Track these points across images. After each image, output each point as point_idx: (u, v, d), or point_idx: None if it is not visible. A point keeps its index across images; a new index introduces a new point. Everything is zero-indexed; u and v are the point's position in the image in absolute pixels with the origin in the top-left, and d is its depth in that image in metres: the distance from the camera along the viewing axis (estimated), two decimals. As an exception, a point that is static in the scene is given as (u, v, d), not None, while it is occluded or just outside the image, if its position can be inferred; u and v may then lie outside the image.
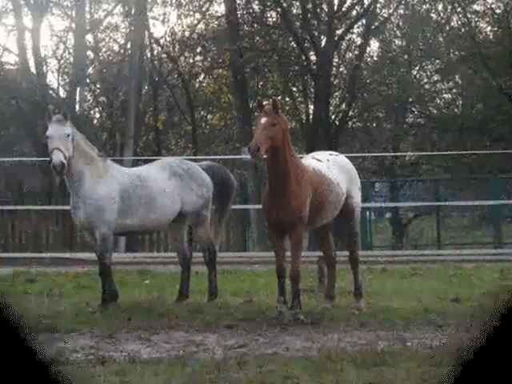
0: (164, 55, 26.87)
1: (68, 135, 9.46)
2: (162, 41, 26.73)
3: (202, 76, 27.86)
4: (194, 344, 7.63)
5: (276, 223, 8.95)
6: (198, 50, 26.58)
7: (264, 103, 9.08)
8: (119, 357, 6.99)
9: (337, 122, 24.04)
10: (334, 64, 24.32)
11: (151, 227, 10.22)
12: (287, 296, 9.01)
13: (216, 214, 10.42)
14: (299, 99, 25.51)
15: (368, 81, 25.41)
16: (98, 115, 27.84)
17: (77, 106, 26.43)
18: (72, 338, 7.99)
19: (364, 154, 23.43)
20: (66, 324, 8.57)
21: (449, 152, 22.26)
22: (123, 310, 9.33)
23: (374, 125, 26.68)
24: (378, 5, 24.86)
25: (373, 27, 24.40)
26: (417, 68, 27.58)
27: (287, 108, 24.47)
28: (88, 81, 26.77)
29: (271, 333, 8.20)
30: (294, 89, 25.68)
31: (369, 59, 26.42)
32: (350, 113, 25.09)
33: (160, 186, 9.92)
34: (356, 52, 24.61)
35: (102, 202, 9.57)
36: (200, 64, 27.10)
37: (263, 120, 8.78)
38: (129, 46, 25.35)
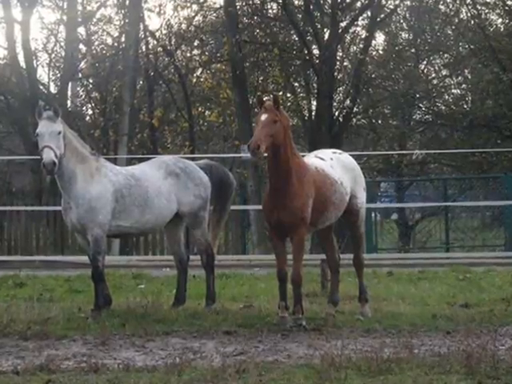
0: (160, 49, 26.62)
1: (59, 132, 9.33)
2: (157, 34, 26.50)
3: (200, 70, 27.71)
4: (191, 351, 7.53)
5: (277, 224, 8.91)
6: (196, 43, 26.52)
7: (264, 99, 9.11)
8: (113, 364, 6.94)
9: (340, 119, 23.85)
10: (338, 58, 24.14)
11: (147, 229, 10.09)
12: (289, 301, 8.92)
13: (214, 215, 10.30)
14: (301, 95, 25.38)
15: (373, 76, 25.42)
16: (90, 111, 27.81)
17: (68, 102, 26.45)
18: (63, 345, 7.92)
19: (369, 153, 23.40)
20: (57, 330, 8.49)
21: (458, 150, 22.26)
22: (117, 316, 9.24)
23: (380, 122, 26.69)
24: (384, -5, 24.62)
25: (378, 19, 24.23)
26: (424, 62, 27.68)
27: (289, 104, 24.43)
28: (80, 75, 26.70)
29: (272, 339, 8.11)
30: (296, 84, 25.61)
31: (374, 53, 26.44)
32: (355, 109, 24.94)
33: (156, 185, 9.78)
34: (361, 45, 24.45)
35: (94, 203, 9.44)
36: (197, 58, 26.97)
37: (263, 117, 8.74)
38: (123, 39, 25.32)
